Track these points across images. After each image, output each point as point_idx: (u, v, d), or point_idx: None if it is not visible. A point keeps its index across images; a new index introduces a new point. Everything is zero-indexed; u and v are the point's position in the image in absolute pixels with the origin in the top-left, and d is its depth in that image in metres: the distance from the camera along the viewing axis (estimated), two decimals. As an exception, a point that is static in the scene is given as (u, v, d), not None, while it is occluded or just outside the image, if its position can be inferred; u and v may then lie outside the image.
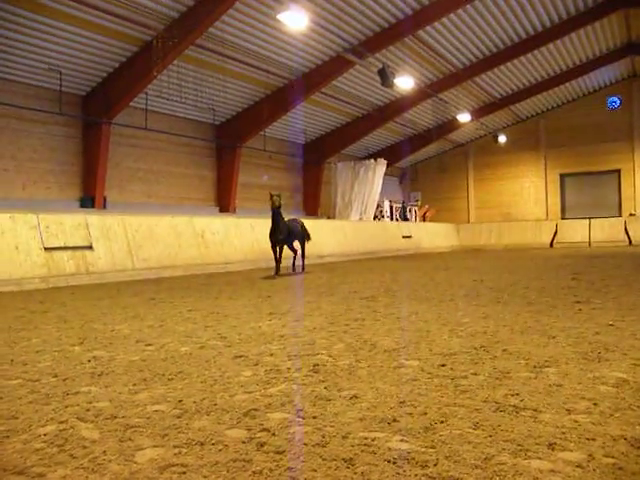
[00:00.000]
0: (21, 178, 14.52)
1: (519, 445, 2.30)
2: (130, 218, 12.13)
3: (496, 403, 2.86)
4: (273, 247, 11.29)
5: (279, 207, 10.91)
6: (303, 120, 22.40)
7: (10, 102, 13.94)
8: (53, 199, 15.03)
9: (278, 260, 11.35)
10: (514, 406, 2.80)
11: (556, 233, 26.12)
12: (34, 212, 10.47)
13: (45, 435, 2.53)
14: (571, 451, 2.24)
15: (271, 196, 10.91)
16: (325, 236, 18.36)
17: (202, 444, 2.40)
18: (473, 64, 21.41)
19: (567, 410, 2.73)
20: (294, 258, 12.26)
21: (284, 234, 11.16)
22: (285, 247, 11.73)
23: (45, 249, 10.17)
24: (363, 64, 18.26)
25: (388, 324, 5.35)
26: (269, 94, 19.21)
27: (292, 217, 12.37)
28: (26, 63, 13.72)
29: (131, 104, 15.95)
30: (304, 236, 12.11)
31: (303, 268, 12.45)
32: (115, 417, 2.76)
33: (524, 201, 30.07)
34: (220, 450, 2.32)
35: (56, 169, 15.34)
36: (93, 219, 11.37)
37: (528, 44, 20.43)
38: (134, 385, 3.33)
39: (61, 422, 2.69)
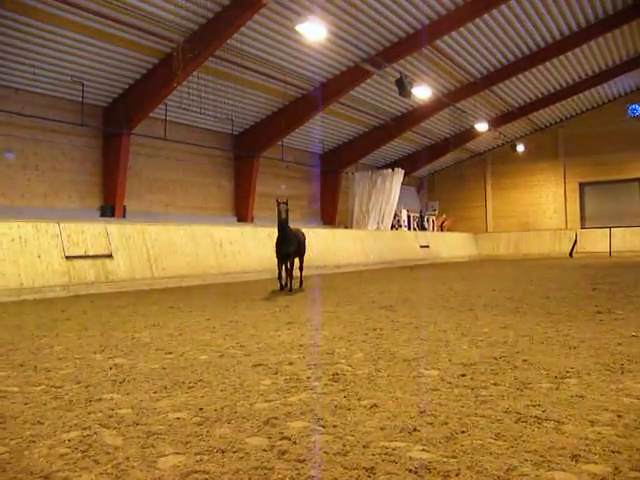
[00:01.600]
0: (43, 188, 14.78)
1: (542, 456, 2.28)
2: (149, 227, 12.26)
3: (517, 414, 2.83)
4: (281, 261, 10.05)
5: (286, 217, 9.69)
6: (321, 130, 22.49)
7: (34, 114, 14.22)
8: (74, 208, 15.25)
9: (289, 274, 10.20)
10: (536, 417, 2.78)
11: (576, 242, 25.82)
12: (56, 221, 10.65)
13: (69, 441, 2.56)
14: (596, 463, 2.21)
15: (278, 204, 9.69)
16: (342, 246, 18.37)
17: (223, 452, 2.41)
18: (491, 73, 21.35)
19: (590, 422, 2.70)
20: (291, 273, 10.41)
21: (295, 246, 10.09)
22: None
23: (66, 258, 10.32)
24: (381, 74, 18.31)
25: (407, 333, 5.34)
26: (287, 104, 19.33)
27: (296, 227, 11.17)
28: (50, 76, 14.00)
29: (151, 115, 16.16)
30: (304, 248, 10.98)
31: (301, 283, 11.00)
32: (137, 424, 2.79)
33: (543, 210, 29.80)
34: (241, 458, 2.33)
35: (77, 179, 15.59)
36: (113, 228, 11.51)
37: (546, 52, 20.32)
38: (155, 392, 3.36)
39: (85, 428, 2.73)
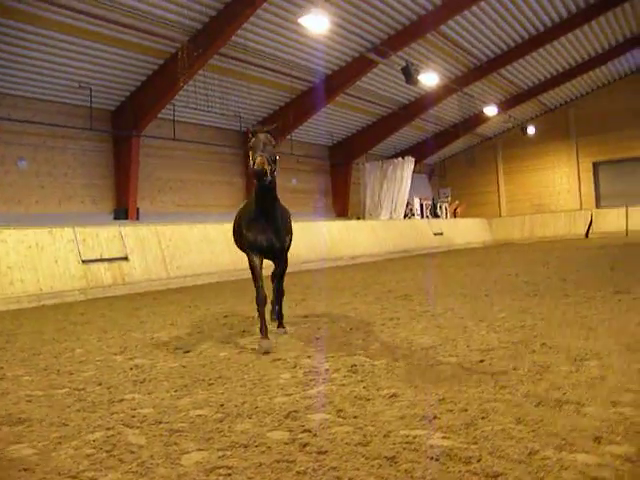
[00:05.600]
0: (57, 194, 14.91)
1: (563, 439, 2.27)
2: (163, 228, 12.34)
3: (538, 397, 2.83)
4: (258, 265, 4.92)
5: (271, 179, 4.55)
6: (329, 122, 22.41)
7: (44, 121, 14.34)
8: (88, 212, 15.38)
9: (276, 292, 5.47)
10: (556, 400, 2.77)
11: (591, 223, 25.51)
12: (71, 226, 10.75)
13: (94, 441, 2.61)
14: (619, 444, 2.20)
15: (251, 135, 4.65)
16: (357, 237, 18.35)
17: (245, 446, 2.44)
18: (498, 56, 21.08)
19: (612, 403, 2.68)
20: (279, 289, 5.47)
21: (284, 234, 5.04)
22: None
23: (83, 262, 10.43)
24: (386, 63, 18.17)
25: (424, 322, 5.33)
26: (294, 98, 19.28)
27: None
28: (58, 82, 14.08)
29: (159, 116, 16.20)
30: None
31: (280, 316, 5.45)
32: (159, 422, 2.82)
33: (556, 192, 29.46)
34: (263, 452, 2.36)
35: (89, 183, 15.70)
36: (127, 230, 11.61)
37: (554, 31, 19.98)
38: (176, 391, 3.40)
39: (108, 428, 2.78)
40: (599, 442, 2.23)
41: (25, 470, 2.31)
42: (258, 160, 4.36)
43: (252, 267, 4.89)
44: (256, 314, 4.91)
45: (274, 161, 4.58)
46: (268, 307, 5.05)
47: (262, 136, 4.54)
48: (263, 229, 4.83)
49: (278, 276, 5.36)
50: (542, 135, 28.92)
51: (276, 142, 4.74)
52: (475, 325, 4.99)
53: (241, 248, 5.32)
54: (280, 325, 5.33)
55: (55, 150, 14.86)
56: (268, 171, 4.42)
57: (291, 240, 5.27)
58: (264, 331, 4.62)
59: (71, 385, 3.71)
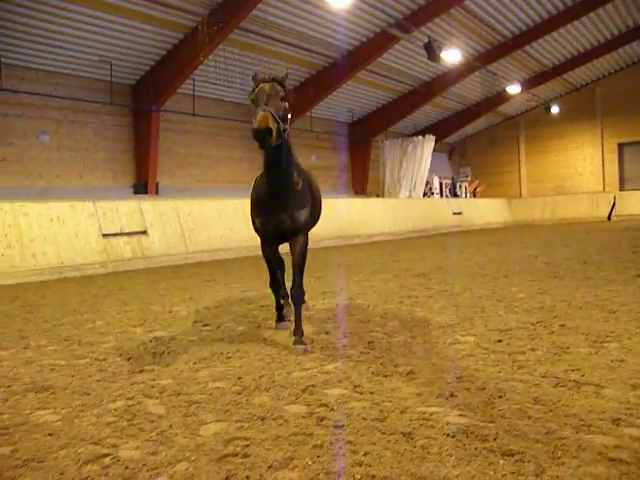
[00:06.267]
0: (78, 168, 15.05)
1: (581, 420, 2.26)
2: (182, 203, 12.40)
3: (556, 378, 2.81)
4: (272, 249, 4.27)
5: (279, 143, 3.50)
6: (349, 99, 22.20)
7: (66, 95, 14.42)
8: (108, 187, 15.52)
9: (295, 279, 3.95)
10: (575, 381, 2.75)
11: (614, 205, 25.07)
12: (91, 200, 10.86)
13: (115, 410, 2.66)
14: (638, 427, 2.19)
15: (257, 83, 3.67)
16: (375, 215, 18.28)
17: (263, 419, 2.47)
18: (523, 32, 20.59)
19: (632, 386, 2.66)
20: (298, 280, 3.98)
21: (299, 213, 3.90)
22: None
23: (103, 235, 10.55)
24: (409, 39, 17.88)
25: (442, 301, 5.32)
26: (314, 74, 19.11)
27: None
28: (79, 56, 14.11)
29: (179, 91, 16.18)
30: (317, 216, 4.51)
31: (298, 319, 3.90)
32: (179, 394, 2.87)
33: (579, 173, 28.96)
34: (281, 425, 2.38)
35: (110, 157, 15.82)
36: (147, 205, 11.69)
37: (582, 7, 19.40)
38: (194, 363, 3.45)
39: (129, 398, 2.83)
40: (618, 424, 2.22)
41: (50, 435, 2.37)
42: (259, 117, 3.25)
43: (265, 259, 4.23)
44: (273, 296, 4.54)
45: (284, 118, 3.46)
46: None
47: (266, 86, 3.48)
48: (275, 210, 3.75)
49: (295, 263, 3.96)
50: (566, 114, 28.34)
51: (287, 93, 3.59)
52: (493, 305, 4.96)
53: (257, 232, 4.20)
54: (296, 332, 3.76)
55: (76, 124, 14.96)
56: (274, 130, 3.26)
57: (316, 215, 4.35)
58: (278, 311, 4.41)
59: (92, 355, 3.78)
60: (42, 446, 2.25)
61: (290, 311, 4.32)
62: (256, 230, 4.16)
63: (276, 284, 4.47)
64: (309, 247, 4.08)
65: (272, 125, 3.26)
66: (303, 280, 4.00)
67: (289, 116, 3.58)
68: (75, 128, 14.94)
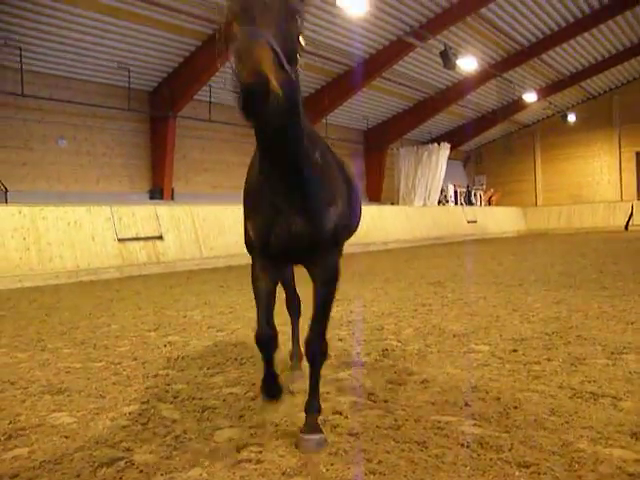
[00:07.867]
0: (95, 173, 15.23)
1: (598, 433, 2.23)
2: (197, 208, 12.49)
3: (572, 389, 2.78)
4: (258, 279, 2.56)
5: (286, 106, 1.83)
6: (365, 106, 22.23)
7: (84, 101, 14.62)
8: (124, 192, 15.66)
9: (293, 338, 3.32)
10: (592, 393, 2.72)
11: (632, 215, 24.77)
12: (108, 205, 10.97)
13: (130, 414, 2.68)
14: (656, 440, 2.16)
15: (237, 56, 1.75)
16: (389, 222, 18.25)
17: (277, 425, 2.47)
18: (539, 40, 20.48)
19: (650, 398, 2.62)
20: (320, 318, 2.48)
21: (327, 203, 2.31)
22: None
23: (119, 240, 10.65)
24: (425, 47, 17.88)
25: (456, 309, 5.29)
26: (330, 81, 19.17)
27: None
28: (98, 63, 14.31)
29: (195, 97, 16.32)
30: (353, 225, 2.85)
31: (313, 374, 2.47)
32: (193, 399, 2.88)
33: (596, 182, 28.65)
34: (294, 431, 2.38)
35: (127, 163, 16.00)
36: (162, 210, 11.78)
37: (600, 15, 19.21)
38: (208, 369, 3.46)
39: (143, 402, 2.84)
40: (637, 438, 2.18)
41: (66, 437, 2.39)
42: (255, 55, 1.71)
43: (254, 291, 2.57)
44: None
45: (293, 54, 1.99)
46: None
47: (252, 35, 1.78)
48: (280, 210, 2.28)
49: (317, 299, 2.52)
50: (583, 123, 28.08)
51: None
52: (508, 314, 4.92)
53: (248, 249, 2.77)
54: (308, 408, 2.35)
55: (94, 130, 15.14)
56: (272, 82, 1.70)
57: (357, 215, 2.87)
58: (267, 388, 2.47)
59: (107, 359, 3.81)
60: (58, 448, 2.28)
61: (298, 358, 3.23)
62: (248, 247, 2.73)
63: (267, 341, 2.56)
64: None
65: (268, 72, 1.70)
66: (327, 328, 2.46)
67: (300, 45, 2.09)
68: (93, 134, 15.13)
